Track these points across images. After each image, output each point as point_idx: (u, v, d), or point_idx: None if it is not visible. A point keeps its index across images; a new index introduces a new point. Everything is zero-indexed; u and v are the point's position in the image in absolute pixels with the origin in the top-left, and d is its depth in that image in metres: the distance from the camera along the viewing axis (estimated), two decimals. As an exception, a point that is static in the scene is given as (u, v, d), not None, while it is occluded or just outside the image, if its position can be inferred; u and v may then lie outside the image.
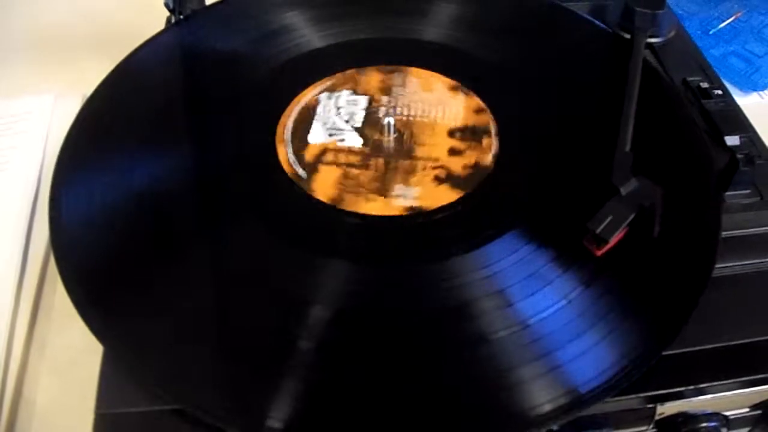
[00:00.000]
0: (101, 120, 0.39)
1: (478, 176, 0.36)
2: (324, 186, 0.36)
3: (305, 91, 0.41)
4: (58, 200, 0.35)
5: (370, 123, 0.39)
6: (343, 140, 0.38)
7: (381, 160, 0.37)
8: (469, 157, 0.37)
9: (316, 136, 0.38)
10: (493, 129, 0.39)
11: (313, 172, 0.36)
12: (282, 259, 0.33)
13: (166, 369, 0.29)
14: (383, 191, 0.35)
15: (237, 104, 0.40)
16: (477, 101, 0.40)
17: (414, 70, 0.42)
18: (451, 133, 0.39)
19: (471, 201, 0.35)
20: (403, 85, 0.41)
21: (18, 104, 0.49)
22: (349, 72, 0.41)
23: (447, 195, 0.35)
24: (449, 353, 0.30)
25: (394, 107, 0.40)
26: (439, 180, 0.36)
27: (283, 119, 0.39)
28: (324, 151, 0.38)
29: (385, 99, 0.40)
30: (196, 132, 0.38)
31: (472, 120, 0.39)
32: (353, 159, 0.37)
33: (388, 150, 0.38)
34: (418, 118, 0.39)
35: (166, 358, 0.29)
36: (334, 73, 0.42)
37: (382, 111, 0.40)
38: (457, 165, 0.37)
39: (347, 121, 0.38)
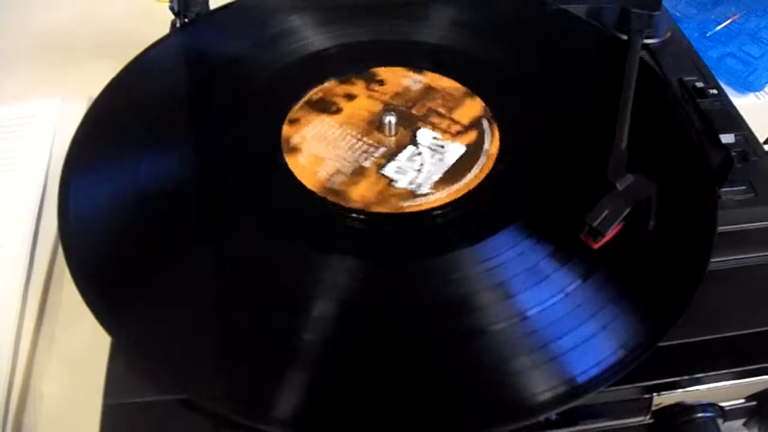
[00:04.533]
0: (107, 122, 0.39)
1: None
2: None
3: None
4: (66, 198, 0.35)
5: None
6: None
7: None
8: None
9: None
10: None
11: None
12: (287, 255, 0.33)
13: (173, 359, 0.30)
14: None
15: (241, 106, 0.40)
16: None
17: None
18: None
19: (470, 196, 0.36)
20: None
21: (25, 107, 0.50)
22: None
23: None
24: (450, 345, 0.30)
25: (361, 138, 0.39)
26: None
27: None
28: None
29: (373, 147, 0.39)
30: (201, 133, 0.39)
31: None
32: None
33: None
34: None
35: (173, 348, 0.30)
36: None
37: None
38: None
39: (422, 164, 0.38)
